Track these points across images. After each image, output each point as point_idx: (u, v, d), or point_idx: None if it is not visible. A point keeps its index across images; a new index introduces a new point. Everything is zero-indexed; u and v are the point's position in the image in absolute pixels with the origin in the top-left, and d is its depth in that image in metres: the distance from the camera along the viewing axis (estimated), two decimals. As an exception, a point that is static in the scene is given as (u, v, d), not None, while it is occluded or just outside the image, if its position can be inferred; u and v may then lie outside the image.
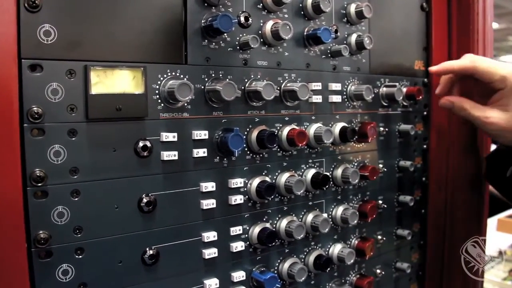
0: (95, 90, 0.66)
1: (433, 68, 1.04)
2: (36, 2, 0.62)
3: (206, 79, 0.77)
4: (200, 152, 0.77)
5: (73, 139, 0.66)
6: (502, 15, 7.79)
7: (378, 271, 1.09)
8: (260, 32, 0.83)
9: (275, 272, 0.88)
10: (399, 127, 1.09)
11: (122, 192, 0.71)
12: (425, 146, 1.17)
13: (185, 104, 0.75)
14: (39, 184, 0.63)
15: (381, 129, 1.05)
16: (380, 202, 1.07)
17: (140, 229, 0.73)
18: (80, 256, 0.67)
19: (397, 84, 1.05)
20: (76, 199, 0.67)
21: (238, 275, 0.83)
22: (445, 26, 1.17)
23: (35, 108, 0.62)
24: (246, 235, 0.84)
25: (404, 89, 1.06)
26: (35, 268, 0.64)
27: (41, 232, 0.64)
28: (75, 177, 0.66)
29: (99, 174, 0.68)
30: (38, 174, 0.63)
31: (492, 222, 2.92)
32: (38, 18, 0.62)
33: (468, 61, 0.99)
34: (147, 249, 0.73)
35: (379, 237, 1.08)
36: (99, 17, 0.67)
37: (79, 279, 0.67)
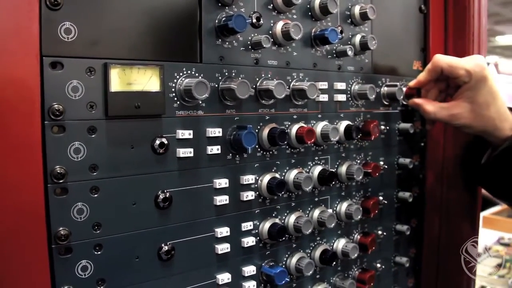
0: (114, 87, 0.67)
1: (410, 84, 1.09)
2: (57, 0, 0.62)
3: (220, 78, 0.79)
4: (214, 149, 0.78)
5: (93, 136, 0.67)
6: (482, 16, 7.89)
7: (379, 265, 1.12)
8: (270, 32, 0.85)
9: (283, 266, 0.90)
10: (398, 125, 1.12)
11: (139, 189, 0.72)
12: (422, 144, 1.20)
13: (200, 102, 0.76)
14: (60, 181, 0.64)
15: (382, 127, 1.08)
16: (381, 198, 1.09)
17: (157, 225, 0.74)
18: (99, 252, 0.68)
19: (398, 83, 1.07)
20: (95, 195, 0.67)
21: (249, 270, 0.84)
22: (441, 28, 1.20)
23: (56, 105, 0.63)
24: (257, 231, 0.86)
25: (404, 88, 1.08)
26: (55, 265, 0.65)
27: (61, 228, 0.64)
28: (95, 174, 0.67)
29: (118, 171, 0.69)
30: (58, 171, 0.64)
31: (476, 219, 2.98)
32: (59, 15, 0.63)
33: (431, 64, 1.03)
34: (163, 245, 0.74)
35: (380, 232, 1.11)
36: (118, 15, 0.68)
37: (97, 275, 0.68)
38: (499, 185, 1.09)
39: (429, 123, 1.16)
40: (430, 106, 1.05)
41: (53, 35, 0.63)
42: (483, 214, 3.00)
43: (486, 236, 2.76)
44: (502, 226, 2.82)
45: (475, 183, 1.19)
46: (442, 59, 1.01)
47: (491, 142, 1.05)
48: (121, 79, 0.68)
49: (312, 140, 0.86)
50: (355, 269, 1.06)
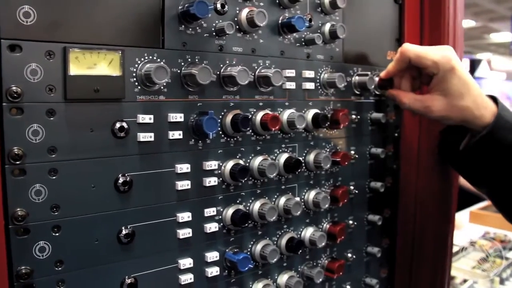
0: (73, 71, 0.68)
1: (381, 75, 1.09)
2: (16, -17, 0.63)
3: (183, 64, 0.79)
4: (176, 134, 0.79)
5: (51, 119, 0.67)
6: (478, 13, 7.92)
7: (349, 255, 1.12)
8: (236, 19, 0.85)
9: (248, 253, 0.91)
10: (371, 115, 1.13)
11: (99, 172, 0.72)
12: (396, 135, 1.21)
13: (162, 87, 0.77)
14: (17, 162, 0.65)
15: (354, 116, 1.09)
16: (352, 187, 1.10)
17: (116, 208, 0.74)
18: (57, 234, 0.69)
19: (369, 73, 1.07)
20: (54, 177, 0.68)
21: (212, 256, 0.85)
22: (417, 19, 1.21)
23: (14, 88, 0.64)
24: (220, 217, 0.87)
25: (376, 78, 1.09)
26: (12, 245, 0.65)
27: (18, 209, 0.65)
28: (53, 156, 0.68)
29: (77, 154, 0.70)
30: (16, 152, 0.64)
31: (464, 215, 3.01)
32: (18, -2, 0.63)
33: (399, 53, 1.04)
34: (123, 228, 0.75)
35: (351, 222, 1.12)
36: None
37: (55, 256, 0.69)
38: (476, 171, 1.09)
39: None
40: (405, 98, 1.06)
41: (11, 18, 0.63)
42: (470, 209, 3.02)
43: (473, 231, 2.78)
44: (489, 221, 2.83)
45: (452, 167, 1.19)
46: (409, 49, 1.02)
47: (471, 130, 1.05)
48: (80, 63, 0.69)
49: (277, 127, 0.87)
50: (324, 258, 1.07)
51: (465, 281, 2.05)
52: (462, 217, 2.97)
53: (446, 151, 1.17)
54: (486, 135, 1.00)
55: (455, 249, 2.37)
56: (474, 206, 3.08)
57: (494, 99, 1.05)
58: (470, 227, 2.88)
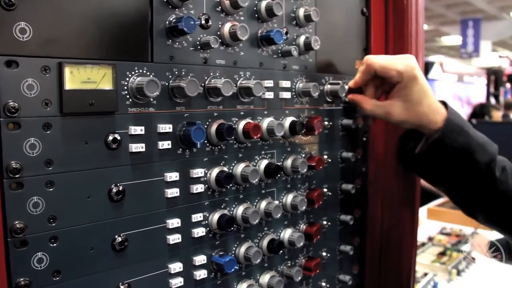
0: (68, 85, 0.70)
1: (350, 84, 1.15)
2: (12, 0, 0.64)
3: (170, 76, 0.83)
4: (165, 144, 0.82)
5: (48, 132, 0.69)
6: (430, 17, 8.21)
7: (324, 253, 1.18)
8: (218, 33, 0.89)
9: (233, 255, 0.95)
10: (341, 121, 1.19)
11: (93, 183, 0.75)
12: (364, 139, 1.27)
13: (151, 100, 0.80)
14: (16, 176, 0.67)
15: (326, 123, 1.14)
16: (325, 190, 1.16)
17: (110, 217, 0.77)
18: (54, 245, 0.71)
19: (340, 81, 1.13)
20: (51, 189, 0.70)
21: (200, 259, 0.89)
22: (382, 29, 1.27)
23: (11, 103, 0.65)
24: (206, 222, 0.90)
25: (346, 87, 1.15)
26: (11, 258, 0.67)
27: (17, 222, 0.67)
28: (50, 168, 0.70)
29: (72, 166, 0.72)
30: (14, 166, 0.66)
31: (422, 211, 3.14)
32: (14, 16, 0.65)
33: (365, 66, 1.10)
34: (117, 236, 0.78)
35: (325, 222, 1.17)
36: (72, 16, 0.71)
37: (53, 266, 0.71)
38: (433, 172, 1.18)
39: (371, 119, 1.23)
40: (367, 104, 1.12)
41: (8, 34, 0.65)
42: (428, 206, 3.15)
43: (431, 227, 2.90)
44: (445, 217, 2.97)
45: (411, 170, 1.27)
46: (375, 62, 1.08)
47: (426, 134, 1.13)
48: (75, 78, 0.71)
49: (258, 135, 0.92)
50: (302, 258, 1.12)
51: (425, 274, 2.15)
52: (420, 214, 3.10)
53: (404, 156, 1.24)
54: (437, 139, 1.07)
55: (415, 245, 2.48)
56: (432, 203, 3.22)
57: (444, 104, 1.13)
58: (428, 223, 3.01)
